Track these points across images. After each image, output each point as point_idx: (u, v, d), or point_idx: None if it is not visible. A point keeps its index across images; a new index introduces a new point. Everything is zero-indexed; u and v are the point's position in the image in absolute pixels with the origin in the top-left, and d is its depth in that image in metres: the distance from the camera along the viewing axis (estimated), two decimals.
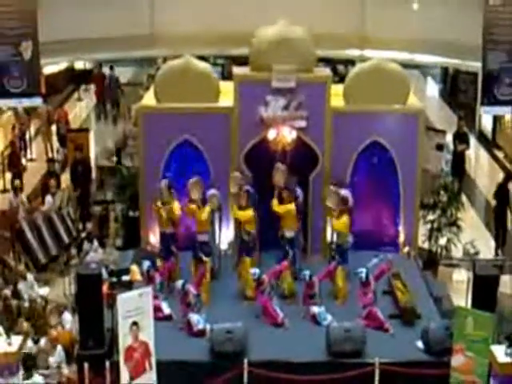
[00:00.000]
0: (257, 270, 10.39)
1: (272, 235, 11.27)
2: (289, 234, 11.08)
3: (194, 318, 9.95)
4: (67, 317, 10.45)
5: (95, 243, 12.49)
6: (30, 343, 9.70)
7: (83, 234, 13.11)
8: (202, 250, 10.92)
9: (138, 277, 10.60)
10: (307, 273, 10.40)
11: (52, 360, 9.56)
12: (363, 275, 10.15)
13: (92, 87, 22.95)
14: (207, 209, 11.08)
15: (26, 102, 13.62)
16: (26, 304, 10.92)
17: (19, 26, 12.48)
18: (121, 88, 22.16)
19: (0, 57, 12.50)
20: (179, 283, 10.15)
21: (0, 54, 12.47)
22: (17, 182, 14.56)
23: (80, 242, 12.83)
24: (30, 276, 11.61)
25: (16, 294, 11.21)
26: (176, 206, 11.14)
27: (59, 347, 9.65)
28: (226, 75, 19.26)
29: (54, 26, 15.43)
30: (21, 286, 11.38)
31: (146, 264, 10.50)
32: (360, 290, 10.21)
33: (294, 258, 11.11)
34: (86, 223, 13.20)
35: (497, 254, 13.83)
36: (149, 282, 10.20)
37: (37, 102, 13.44)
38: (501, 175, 15.72)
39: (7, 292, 11.05)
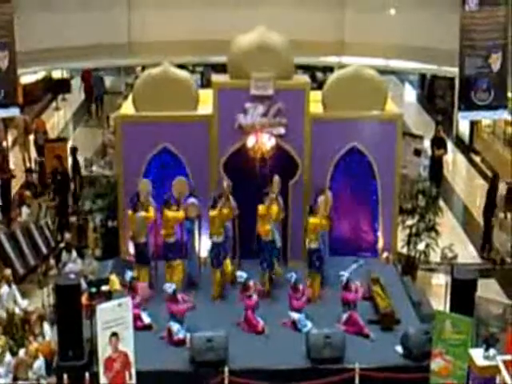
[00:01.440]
0: (243, 274, 10.35)
1: (252, 242, 11.28)
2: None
3: (175, 327, 9.91)
4: (46, 328, 10.36)
5: (74, 253, 12.40)
6: (8, 356, 9.60)
7: (62, 245, 13.01)
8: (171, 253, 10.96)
9: (118, 287, 10.54)
10: (293, 275, 10.38)
11: (31, 372, 9.46)
12: (344, 279, 10.16)
13: (69, 96, 23.13)
14: (180, 213, 11.10)
15: (3, 113, 13.54)
16: (4, 315, 10.80)
17: None
18: (104, 87, 22.52)
19: None
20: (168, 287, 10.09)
21: None
22: None
23: (58, 253, 12.73)
24: (14, 286, 11.50)
25: None
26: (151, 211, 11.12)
27: (40, 360, 9.56)
28: (205, 83, 19.28)
29: (30, 36, 15.35)
30: (3, 291, 11.25)
31: (129, 275, 10.44)
32: (342, 293, 10.21)
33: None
34: (65, 233, 13.11)
35: (483, 249, 13.92)
36: (131, 293, 10.15)
37: (14, 112, 13.36)
38: (480, 181, 15.84)
39: None
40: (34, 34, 16.03)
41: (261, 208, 11.11)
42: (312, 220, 10.96)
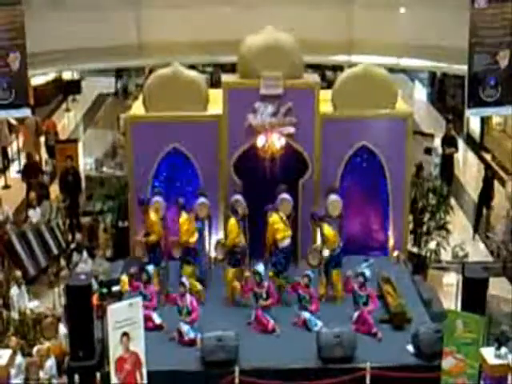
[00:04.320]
0: (261, 268, 10.31)
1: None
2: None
3: (185, 327, 9.92)
4: (62, 329, 10.40)
5: (85, 254, 12.44)
6: (19, 356, 9.64)
7: (73, 245, 13.06)
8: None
9: (128, 287, 10.55)
10: (310, 273, 10.38)
11: (42, 373, 9.50)
12: (367, 274, 10.15)
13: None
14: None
15: (15, 114, 13.60)
16: (17, 316, 10.86)
17: (7, 37, 12.45)
18: None
19: None
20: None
21: None
22: None
23: (69, 253, 12.78)
24: (23, 287, 11.55)
25: (6, 306, 11.16)
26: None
27: (51, 360, 9.59)
28: (214, 83, 19.30)
29: (41, 37, 15.40)
30: (13, 291, 11.29)
31: (150, 268, 10.42)
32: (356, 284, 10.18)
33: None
34: (76, 234, 13.15)
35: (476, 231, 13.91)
36: (143, 287, 10.15)
37: (25, 113, 13.41)
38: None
39: None
40: (45, 35, 16.08)
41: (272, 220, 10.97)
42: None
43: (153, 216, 11.04)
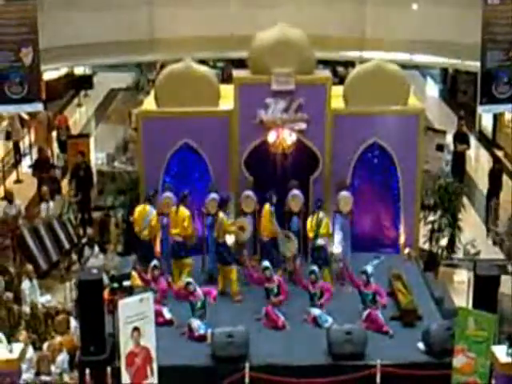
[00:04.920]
0: (267, 263, 10.35)
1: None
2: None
3: (195, 323, 9.94)
4: (74, 324, 10.45)
5: (96, 249, 12.47)
6: (31, 350, 9.69)
7: (84, 240, 13.10)
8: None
9: (139, 282, 10.58)
10: (315, 269, 10.38)
11: (54, 367, 9.55)
12: (368, 271, 10.13)
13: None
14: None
15: (27, 108, 13.67)
16: (28, 309, 10.91)
17: (20, 32, 12.52)
18: None
19: (0, 63, 12.54)
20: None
21: (0, 60, 12.52)
22: (9, 190, 14.45)
23: (81, 248, 12.82)
24: (35, 281, 11.61)
25: (18, 300, 11.22)
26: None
27: (63, 354, 9.63)
28: (226, 78, 19.29)
29: (54, 32, 15.46)
30: (24, 285, 11.35)
31: (153, 263, 10.45)
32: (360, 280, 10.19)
33: None
34: (87, 229, 13.18)
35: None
36: (152, 281, 10.17)
37: (38, 107, 13.48)
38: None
39: (9, 295, 11.04)
40: (57, 30, 16.14)
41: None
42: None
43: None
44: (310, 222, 11.12)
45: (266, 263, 10.43)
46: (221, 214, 11.03)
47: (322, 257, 10.95)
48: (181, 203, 11.21)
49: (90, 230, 13.00)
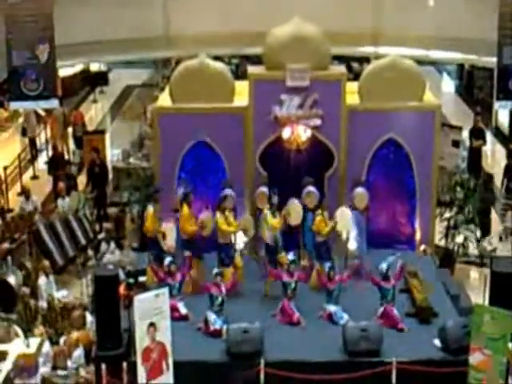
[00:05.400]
0: (292, 257, 10.37)
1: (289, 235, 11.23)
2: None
3: (211, 317, 9.96)
4: (89, 318, 10.52)
5: (112, 244, 12.51)
6: (47, 345, 9.76)
7: (101, 236, 13.15)
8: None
9: (155, 278, 10.61)
10: (328, 264, 10.40)
11: (70, 362, 9.60)
12: (384, 267, 10.10)
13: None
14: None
15: (43, 105, 13.76)
16: (45, 304, 10.98)
17: (36, 29, 12.60)
18: None
19: (17, 60, 12.64)
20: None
21: (17, 57, 12.61)
22: (26, 185, 14.53)
23: (98, 243, 12.88)
24: (51, 277, 11.69)
25: (35, 295, 11.29)
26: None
27: (80, 349, 9.69)
28: (240, 74, 19.28)
29: (69, 29, 15.50)
30: (41, 281, 11.43)
31: (168, 259, 10.48)
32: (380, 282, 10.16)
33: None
34: (104, 223, 13.24)
35: None
36: (169, 277, 10.20)
37: (53, 104, 13.57)
38: None
39: (26, 290, 11.12)
40: (73, 27, 16.19)
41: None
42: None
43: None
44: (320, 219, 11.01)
45: (291, 256, 10.40)
46: (218, 214, 10.92)
47: (322, 252, 10.92)
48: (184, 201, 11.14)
49: (107, 225, 13.04)
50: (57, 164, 16.15)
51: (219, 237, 10.95)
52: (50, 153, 17.59)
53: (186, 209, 11.06)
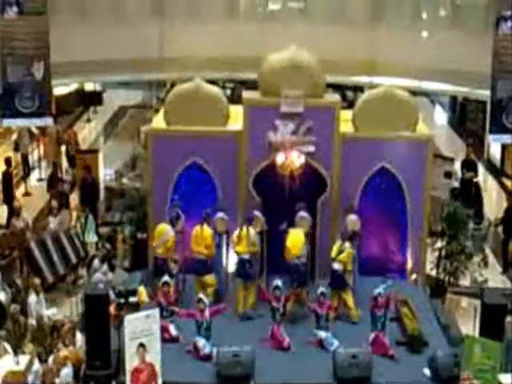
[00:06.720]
0: (279, 282, 10.38)
1: (281, 259, 11.26)
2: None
3: (200, 342, 9.91)
4: (79, 337, 10.44)
5: (105, 266, 12.41)
6: (37, 363, 9.66)
7: (95, 252, 13.05)
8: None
9: (146, 298, 10.58)
10: (321, 288, 10.41)
11: (59, 380, 9.51)
12: (380, 291, 10.14)
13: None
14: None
15: (37, 122, 13.77)
16: (34, 322, 10.89)
17: (31, 46, 12.66)
18: None
19: (12, 77, 12.67)
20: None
21: (12, 74, 12.64)
22: (16, 203, 14.50)
23: (91, 259, 12.80)
24: (42, 295, 11.61)
25: (24, 312, 11.20)
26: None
27: (68, 368, 9.60)
28: (235, 99, 19.41)
29: (65, 48, 15.58)
30: (31, 299, 11.35)
31: (164, 279, 10.45)
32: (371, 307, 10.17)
33: None
34: (103, 243, 13.21)
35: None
36: (163, 296, 10.20)
37: (48, 122, 13.58)
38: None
39: (17, 307, 11.04)
40: (69, 46, 16.26)
41: None
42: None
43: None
44: (337, 245, 11.13)
45: (278, 282, 10.41)
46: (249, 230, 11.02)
47: (337, 280, 10.94)
48: (204, 221, 11.27)
49: (107, 245, 13.01)
50: (54, 182, 16.15)
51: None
52: (45, 171, 17.54)
53: (208, 229, 11.21)
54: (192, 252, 11.26)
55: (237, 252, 11.13)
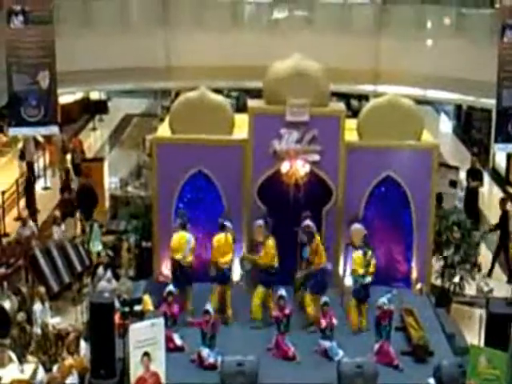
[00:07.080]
0: (283, 292, 10.36)
1: (285, 268, 11.24)
2: None
3: (205, 352, 9.89)
4: (83, 345, 10.44)
5: (108, 273, 12.44)
6: (41, 371, 9.66)
7: (100, 259, 13.06)
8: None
9: (151, 307, 10.57)
10: (324, 298, 10.39)
11: None
12: (385, 301, 10.11)
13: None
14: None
15: (43, 131, 13.80)
16: (39, 331, 10.89)
17: (37, 55, 12.69)
18: None
19: (17, 86, 12.69)
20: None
21: (18, 83, 12.67)
22: (22, 212, 14.54)
23: (95, 267, 12.80)
24: (47, 303, 11.62)
25: (30, 320, 11.20)
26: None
27: (73, 377, 9.59)
28: (241, 108, 19.44)
29: (70, 57, 15.64)
30: (36, 307, 11.36)
31: (169, 288, 10.44)
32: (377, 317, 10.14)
33: None
34: (107, 251, 13.22)
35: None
36: (166, 306, 10.19)
37: (53, 130, 13.60)
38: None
39: (23, 315, 11.04)
40: (74, 55, 16.33)
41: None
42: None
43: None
44: (359, 257, 11.05)
45: (282, 292, 10.39)
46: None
47: (366, 294, 10.95)
48: (221, 231, 11.26)
49: (111, 253, 13.01)
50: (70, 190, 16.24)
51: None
52: (52, 179, 17.60)
53: (230, 239, 11.20)
54: (217, 262, 11.13)
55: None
